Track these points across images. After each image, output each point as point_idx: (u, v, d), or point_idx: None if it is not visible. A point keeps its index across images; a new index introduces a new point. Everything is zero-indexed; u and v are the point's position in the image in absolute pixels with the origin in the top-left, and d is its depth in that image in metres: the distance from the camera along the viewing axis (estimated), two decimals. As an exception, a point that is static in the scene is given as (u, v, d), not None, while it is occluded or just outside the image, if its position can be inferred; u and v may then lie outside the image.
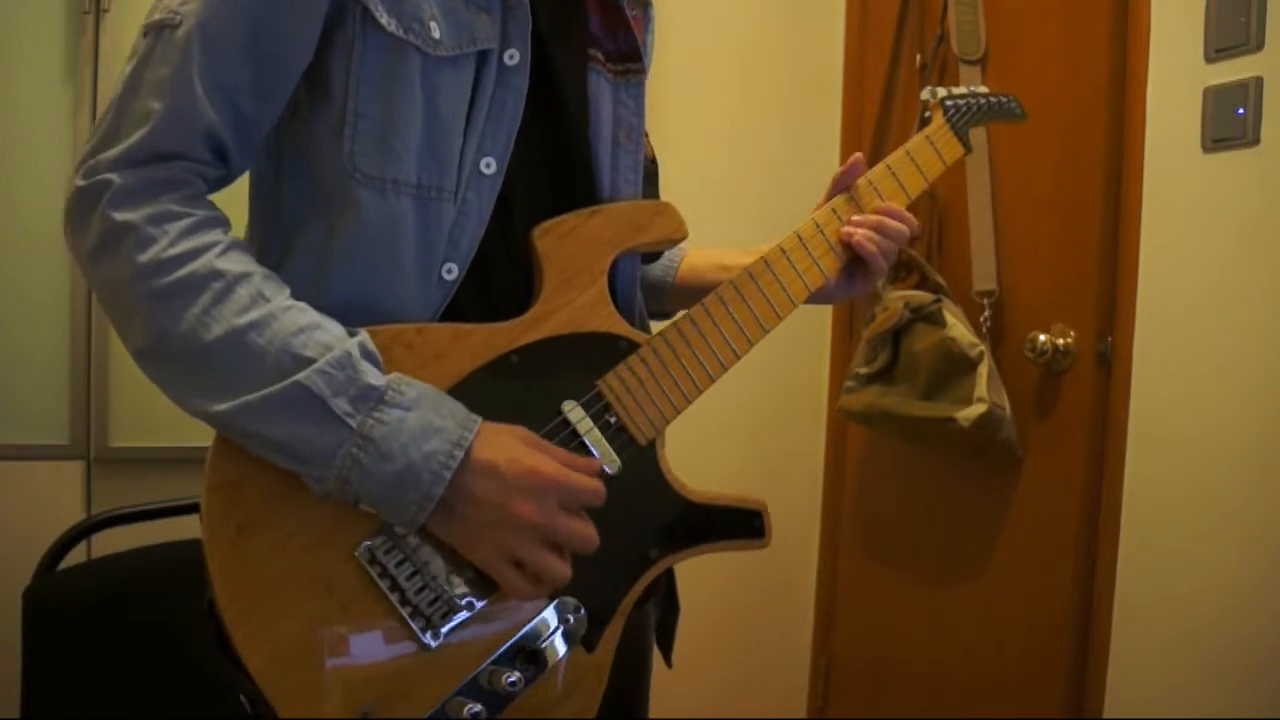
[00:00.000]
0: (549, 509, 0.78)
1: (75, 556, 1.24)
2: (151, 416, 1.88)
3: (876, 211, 1.03)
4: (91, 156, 0.76)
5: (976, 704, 1.86)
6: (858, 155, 1.05)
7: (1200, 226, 1.46)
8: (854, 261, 1.03)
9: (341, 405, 0.73)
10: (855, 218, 1.02)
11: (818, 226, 1.01)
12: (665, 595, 1.03)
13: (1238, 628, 1.38)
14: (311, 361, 0.73)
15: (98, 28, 1.84)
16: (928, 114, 1.13)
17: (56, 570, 1.23)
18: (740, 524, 0.93)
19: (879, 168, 1.06)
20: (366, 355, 0.76)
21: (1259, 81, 1.36)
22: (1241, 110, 1.37)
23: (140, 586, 1.24)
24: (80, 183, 0.76)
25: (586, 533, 0.80)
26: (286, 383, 0.73)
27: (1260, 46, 1.36)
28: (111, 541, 1.26)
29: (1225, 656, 1.40)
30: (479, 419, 0.78)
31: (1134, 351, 1.56)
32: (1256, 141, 1.37)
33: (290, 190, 0.85)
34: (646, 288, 1.11)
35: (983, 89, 1.17)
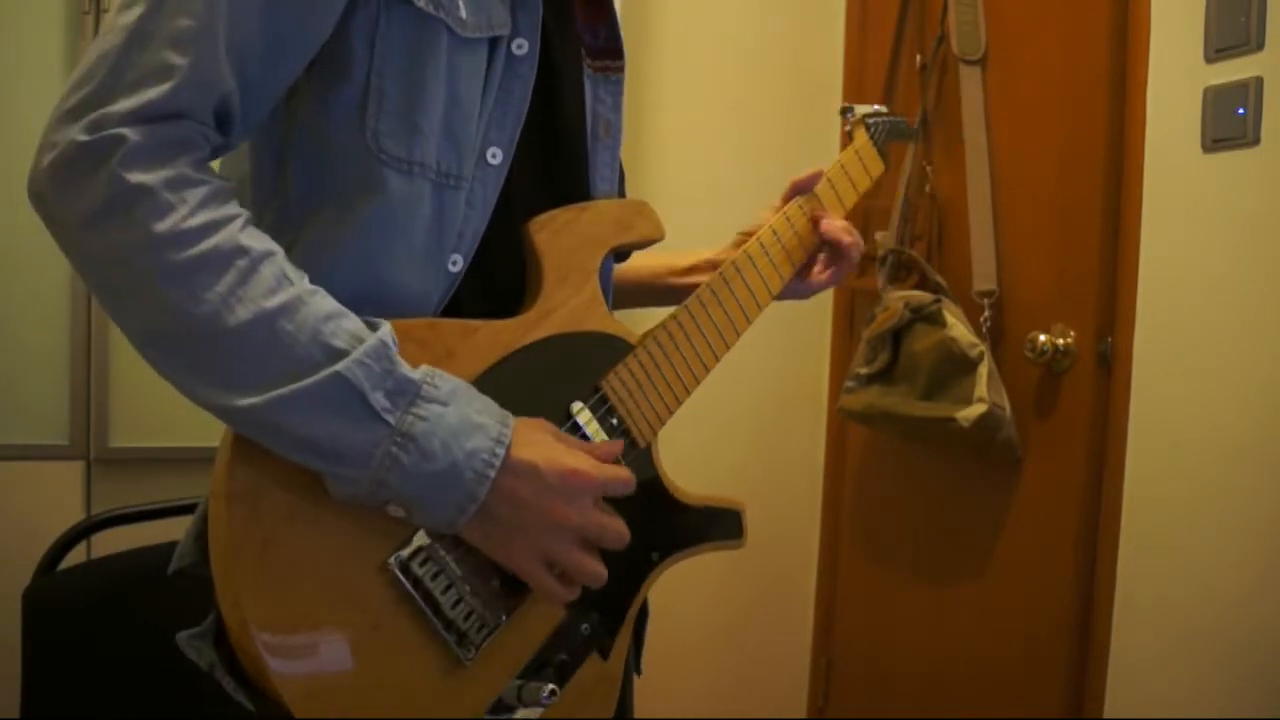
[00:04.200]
0: (587, 508, 0.76)
1: (75, 556, 1.24)
2: (151, 416, 1.88)
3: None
4: (94, 108, 0.66)
5: (976, 704, 1.86)
6: (820, 170, 1.10)
7: (1200, 226, 1.46)
8: (825, 256, 1.09)
9: (379, 400, 0.68)
10: (838, 222, 1.08)
11: (788, 220, 1.06)
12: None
13: (1238, 628, 1.38)
14: (344, 353, 0.68)
15: (97, 28, 1.84)
16: (849, 129, 1.19)
17: (56, 570, 1.23)
18: (725, 525, 0.94)
19: (821, 182, 1.11)
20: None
21: (1259, 81, 1.36)
22: (1241, 110, 1.37)
23: (140, 586, 1.23)
24: (82, 137, 0.65)
25: (619, 527, 0.78)
26: (324, 374, 0.67)
27: (1260, 46, 1.36)
28: (111, 541, 1.26)
29: (1225, 657, 1.40)
30: (510, 414, 0.75)
31: (1134, 351, 1.56)
32: (1256, 141, 1.36)
33: (298, 172, 0.79)
34: None
35: (883, 109, 1.23)
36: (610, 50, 0.94)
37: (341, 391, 0.67)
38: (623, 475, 0.79)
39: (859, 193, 1.15)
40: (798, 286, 1.10)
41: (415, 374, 0.71)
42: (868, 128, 1.17)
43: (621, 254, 1.05)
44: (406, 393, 0.69)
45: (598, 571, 0.77)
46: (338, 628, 0.70)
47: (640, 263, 1.12)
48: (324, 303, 0.70)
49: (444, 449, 0.69)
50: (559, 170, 0.90)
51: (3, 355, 1.85)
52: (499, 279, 0.85)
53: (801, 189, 1.09)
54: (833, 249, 1.09)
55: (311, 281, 0.72)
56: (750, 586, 2.23)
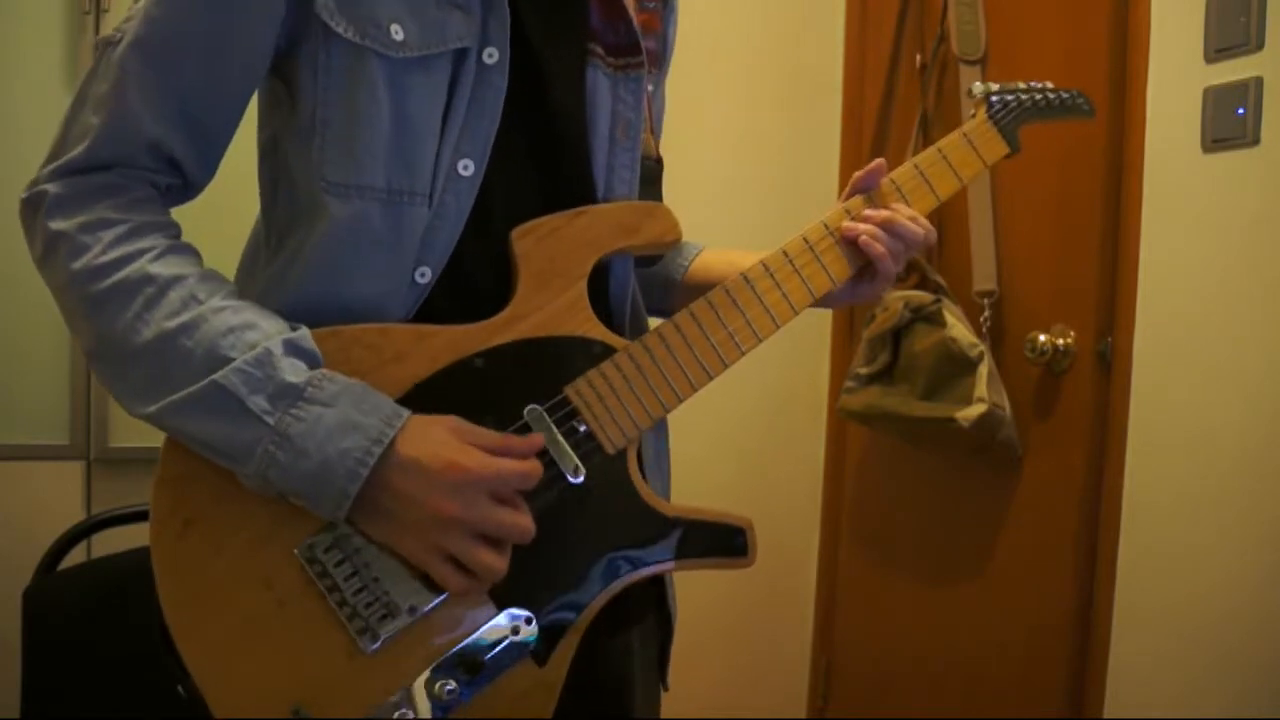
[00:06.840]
0: (474, 502, 0.76)
1: (75, 556, 1.24)
2: (151, 416, 1.88)
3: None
4: (39, 170, 0.79)
5: (976, 704, 1.86)
6: (880, 161, 0.97)
7: (1200, 226, 1.46)
8: (862, 265, 0.96)
9: (259, 402, 0.74)
10: (865, 211, 0.95)
11: (827, 228, 0.95)
12: (659, 615, 0.99)
13: (1238, 628, 1.38)
14: (230, 361, 0.74)
15: (98, 28, 1.84)
16: (973, 112, 1.04)
17: (56, 570, 1.23)
18: (720, 542, 0.88)
19: (905, 167, 0.98)
20: (294, 351, 0.76)
21: (1259, 81, 1.36)
22: (1241, 110, 1.37)
23: (140, 586, 1.22)
24: (24, 195, 0.79)
25: (519, 523, 0.77)
26: (204, 382, 0.74)
27: (1260, 46, 1.36)
28: (111, 541, 1.26)
29: (1225, 657, 1.40)
30: (407, 414, 0.76)
31: (1134, 351, 1.56)
32: (1256, 141, 1.36)
33: (281, 197, 0.85)
34: (657, 285, 1.06)
35: (1046, 84, 1.06)
36: (630, 46, 0.90)
37: (220, 396, 0.74)
38: (517, 469, 0.77)
39: (962, 180, 0.99)
40: (829, 296, 0.98)
41: (299, 378, 0.75)
42: (990, 106, 1.01)
43: (646, 259, 1.01)
44: (287, 395, 0.74)
45: (494, 565, 0.76)
46: (241, 602, 0.76)
47: (706, 259, 1.06)
48: (230, 317, 0.76)
49: (318, 448, 0.74)
50: (556, 176, 0.88)
51: (3, 356, 1.85)
52: (481, 288, 0.84)
53: (862, 187, 0.97)
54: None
55: (282, 297, 0.81)
56: (750, 587, 2.23)
